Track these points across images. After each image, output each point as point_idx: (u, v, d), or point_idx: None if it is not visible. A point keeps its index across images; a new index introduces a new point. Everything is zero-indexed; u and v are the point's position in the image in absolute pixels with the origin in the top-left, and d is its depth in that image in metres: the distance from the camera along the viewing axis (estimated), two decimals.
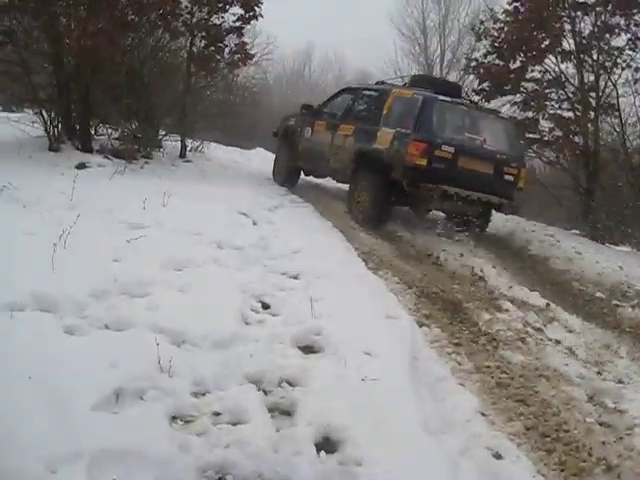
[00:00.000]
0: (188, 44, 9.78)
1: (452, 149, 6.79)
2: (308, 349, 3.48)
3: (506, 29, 10.11)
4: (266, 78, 29.13)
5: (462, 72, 11.07)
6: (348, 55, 32.46)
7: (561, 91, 10.20)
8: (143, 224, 5.09)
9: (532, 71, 10.36)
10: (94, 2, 7.81)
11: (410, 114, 7.05)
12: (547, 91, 10.32)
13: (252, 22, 9.90)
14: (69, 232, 4.08)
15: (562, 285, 6.42)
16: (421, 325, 4.30)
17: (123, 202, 5.72)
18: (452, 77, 18.29)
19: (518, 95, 10.37)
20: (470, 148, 6.95)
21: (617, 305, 5.77)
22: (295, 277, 4.64)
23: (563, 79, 10.11)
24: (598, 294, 6.07)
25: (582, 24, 9.92)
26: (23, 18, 8.06)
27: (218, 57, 9.73)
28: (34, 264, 3.67)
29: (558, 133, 9.97)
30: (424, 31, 22.08)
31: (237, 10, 9.86)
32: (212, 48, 9.57)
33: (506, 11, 10.18)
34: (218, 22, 9.76)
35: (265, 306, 4.02)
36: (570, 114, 10.15)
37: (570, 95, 10.22)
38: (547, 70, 10.27)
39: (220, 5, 9.75)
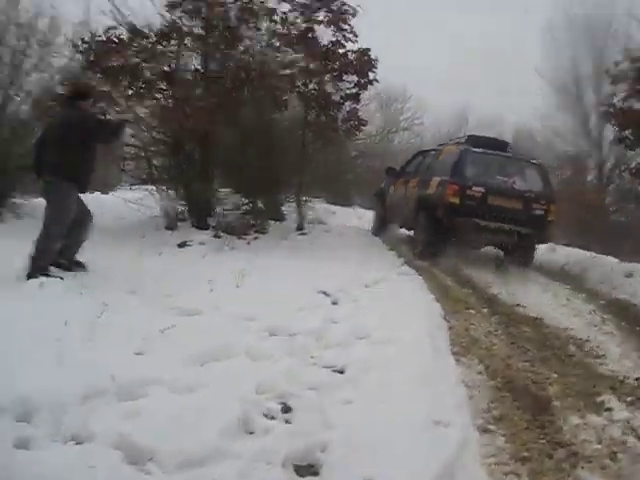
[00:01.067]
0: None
1: (482, 189, 8.49)
2: (307, 470, 2.83)
3: None
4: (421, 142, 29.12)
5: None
6: (505, 115, 31.20)
7: None
8: (197, 309, 4.78)
9: None
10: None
11: (451, 164, 8.86)
12: None
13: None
14: (103, 319, 3.84)
15: None
16: (484, 431, 3.44)
17: (193, 284, 5.47)
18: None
19: None
20: (499, 188, 8.62)
21: None
22: (341, 371, 3.98)
23: None
24: None
25: None
26: None
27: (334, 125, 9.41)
28: (45, 357, 3.42)
29: None
30: (577, 82, 20.45)
31: (353, 78, 9.58)
32: (323, 117, 9.27)
33: None
34: (333, 90, 9.50)
35: (286, 409, 3.41)
36: None
37: None
38: None
39: (336, 74, 9.54)
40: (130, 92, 8.05)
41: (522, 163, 9.33)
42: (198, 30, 8.31)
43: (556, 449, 3.33)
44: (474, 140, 9.56)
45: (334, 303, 5.64)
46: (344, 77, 9.72)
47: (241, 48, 8.31)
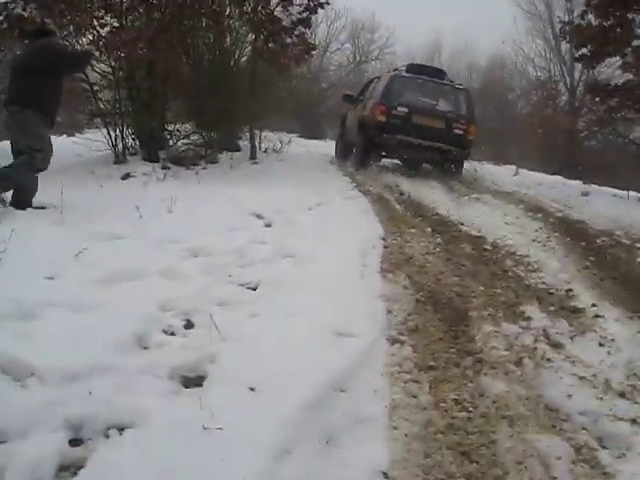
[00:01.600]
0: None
1: (406, 109, 9.57)
2: (193, 381, 2.75)
3: None
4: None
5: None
6: (478, 42, 30.62)
7: None
8: (121, 234, 4.66)
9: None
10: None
11: (383, 88, 10.02)
12: None
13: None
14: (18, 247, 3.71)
15: None
16: (394, 342, 3.39)
17: (123, 211, 5.32)
18: None
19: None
20: (423, 108, 9.78)
21: None
22: (254, 288, 3.89)
23: None
24: None
25: None
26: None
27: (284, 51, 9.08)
28: None
29: None
30: (547, 4, 19.95)
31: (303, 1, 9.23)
32: (272, 44, 8.93)
33: None
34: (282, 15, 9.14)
35: (188, 325, 3.32)
36: None
37: None
38: None
39: None
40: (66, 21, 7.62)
41: (449, 88, 10.48)
42: None
43: (464, 357, 3.30)
44: (413, 68, 10.81)
45: (267, 225, 5.53)
46: (294, 0, 9.25)
47: None
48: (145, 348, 3.03)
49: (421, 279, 4.56)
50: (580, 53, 9.28)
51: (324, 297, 3.74)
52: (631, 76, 8.85)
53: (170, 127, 9.38)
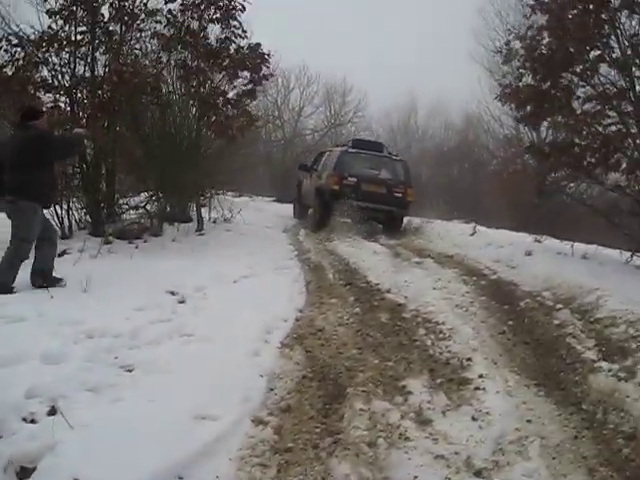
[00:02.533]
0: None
1: (355, 179, 11.65)
2: (27, 473, 2.72)
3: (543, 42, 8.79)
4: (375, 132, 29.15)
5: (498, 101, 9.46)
6: (452, 100, 31.31)
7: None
8: (22, 316, 4.64)
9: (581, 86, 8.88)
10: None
11: (334, 161, 12.10)
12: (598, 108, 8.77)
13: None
14: None
15: None
16: (258, 423, 3.37)
17: (37, 292, 5.34)
18: None
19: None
20: (369, 177, 11.87)
21: None
22: (130, 370, 3.87)
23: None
24: None
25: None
26: None
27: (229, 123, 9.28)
28: None
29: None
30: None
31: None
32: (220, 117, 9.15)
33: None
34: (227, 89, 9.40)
35: (52, 412, 3.28)
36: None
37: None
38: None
39: (231, 72, 9.44)
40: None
41: (388, 159, 12.72)
42: (74, 36, 8.09)
43: (324, 438, 3.25)
44: (356, 142, 13.32)
45: (180, 302, 5.50)
46: (240, 74, 9.52)
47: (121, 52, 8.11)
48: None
49: (319, 353, 4.56)
50: (521, 114, 9.44)
51: (199, 378, 3.72)
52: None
53: (122, 200, 9.45)
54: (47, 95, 8.05)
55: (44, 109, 6.50)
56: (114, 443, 2.89)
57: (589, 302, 5.91)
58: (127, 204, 9.27)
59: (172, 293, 5.64)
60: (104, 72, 8.13)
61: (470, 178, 24.00)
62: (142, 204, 8.97)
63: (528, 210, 16.53)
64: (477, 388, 3.91)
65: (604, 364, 4.40)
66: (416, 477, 2.88)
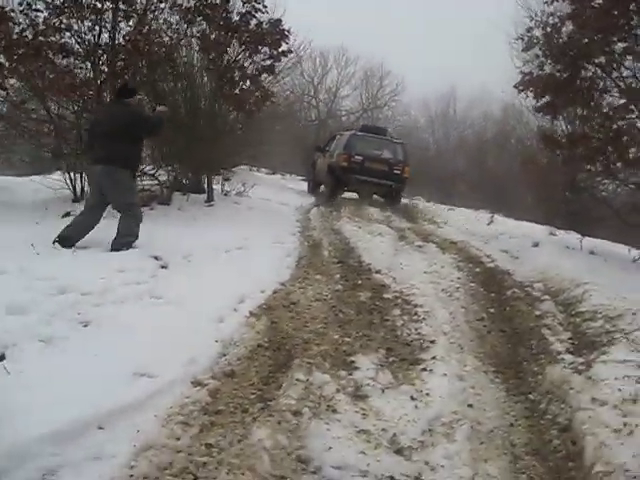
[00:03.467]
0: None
1: (361, 157, 13.64)
2: None
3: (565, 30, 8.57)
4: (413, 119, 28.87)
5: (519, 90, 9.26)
6: (492, 89, 30.73)
7: None
8: (5, 270, 4.80)
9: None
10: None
11: (344, 142, 14.18)
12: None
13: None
14: None
15: None
16: (196, 385, 3.44)
17: (26, 248, 5.50)
18: None
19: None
20: (372, 157, 13.86)
21: None
22: (86, 325, 3.99)
23: None
24: None
25: None
26: None
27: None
28: None
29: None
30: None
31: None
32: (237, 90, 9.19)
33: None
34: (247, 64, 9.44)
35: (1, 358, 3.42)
36: None
37: None
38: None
39: (251, 46, 9.46)
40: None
41: (389, 142, 14.76)
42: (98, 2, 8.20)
43: (255, 404, 3.31)
44: (364, 127, 15.71)
45: (163, 267, 5.60)
46: (260, 49, 9.54)
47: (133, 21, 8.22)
48: None
49: (284, 325, 4.61)
50: (539, 104, 9.25)
51: (151, 338, 3.81)
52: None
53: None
54: (65, 60, 8.13)
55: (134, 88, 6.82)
56: (45, 391, 2.99)
57: (575, 295, 5.85)
58: (141, 171, 9.34)
59: (156, 258, 5.71)
60: (121, 40, 8.19)
61: (505, 169, 23.59)
62: (152, 172, 9.03)
63: (557, 204, 16.18)
64: (424, 369, 3.90)
65: (568, 357, 4.36)
66: (330, 448, 2.89)
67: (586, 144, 8.52)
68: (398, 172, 13.76)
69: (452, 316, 5.26)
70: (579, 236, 8.81)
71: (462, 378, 3.93)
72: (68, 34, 8.33)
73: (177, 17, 8.68)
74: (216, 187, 9.94)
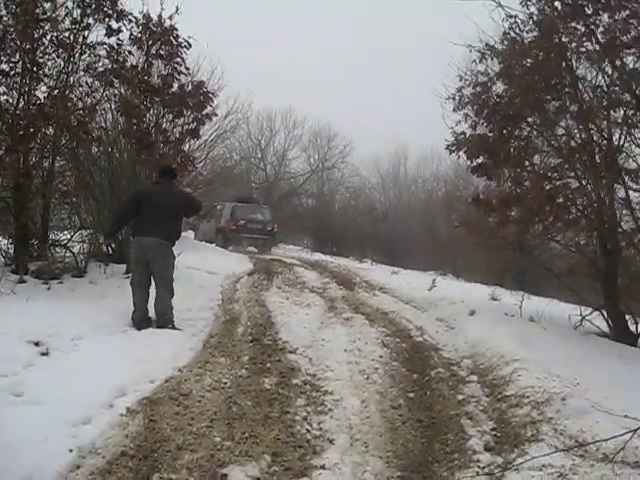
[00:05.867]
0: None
1: (243, 221, 19.76)
2: None
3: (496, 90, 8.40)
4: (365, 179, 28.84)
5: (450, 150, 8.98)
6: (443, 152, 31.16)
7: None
8: None
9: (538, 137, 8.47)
10: None
11: (229, 211, 20.13)
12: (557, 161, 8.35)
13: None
14: None
15: None
16: None
17: None
18: None
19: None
20: (251, 219, 20.00)
21: None
22: None
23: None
24: None
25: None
26: None
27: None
28: None
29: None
30: None
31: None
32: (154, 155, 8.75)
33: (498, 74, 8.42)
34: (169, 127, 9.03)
35: None
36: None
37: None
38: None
39: (176, 110, 9.10)
40: None
41: (259, 207, 21.46)
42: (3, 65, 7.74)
43: None
44: (239, 199, 21.22)
45: (43, 354, 4.99)
46: (184, 112, 9.17)
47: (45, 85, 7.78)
48: None
49: (164, 424, 4.08)
50: (473, 165, 9.00)
51: None
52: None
53: (54, 236, 9.02)
54: None
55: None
56: None
57: (503, 375, 5.42)
58: (57, 242, 8.76)
59: (36, 344, 5.10)
60: (26, 104, 7.71)
61: (455, 229, 23.48)
62: (65, 242, 8.45)
63: (504, 264, 15.98)
64: None
65: (484, 456, 3.92)
66: None
67: (520, 206, 8.22)
68: (270, 228, 20.15)
69: (364, 405, 4.77)
70: (519, 300, 8.39)
71: None
72: None
73: (91, 80, 8.20)
74: None
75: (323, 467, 3.55)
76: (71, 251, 8.47)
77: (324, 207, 28.16)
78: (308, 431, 4.22)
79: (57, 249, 8.82)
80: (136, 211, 6.61)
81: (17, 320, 5.66)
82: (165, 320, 6.35)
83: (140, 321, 6.36)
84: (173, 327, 6.37)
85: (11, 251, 8.34)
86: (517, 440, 4.11)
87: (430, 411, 4.84)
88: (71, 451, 3.46)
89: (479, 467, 3.69)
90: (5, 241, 8.50)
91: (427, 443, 4.26)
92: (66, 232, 9.27)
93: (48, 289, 7.48)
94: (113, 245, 9.54)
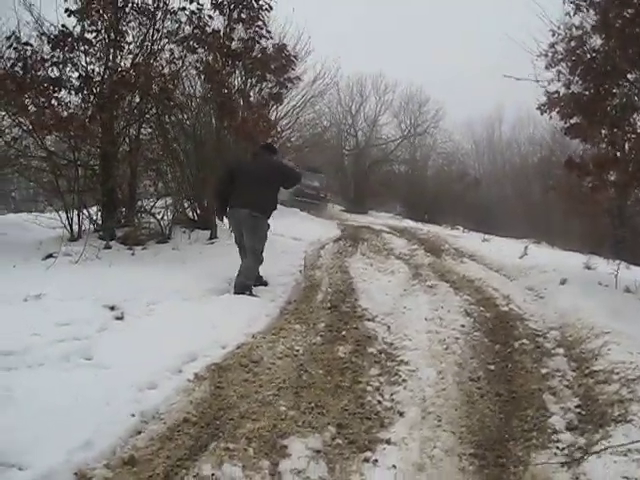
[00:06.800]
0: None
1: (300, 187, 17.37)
2: None
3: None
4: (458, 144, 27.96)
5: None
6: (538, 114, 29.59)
7: None
8: None
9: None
10: None
11: None
12: None
13: None
14: None
15: None
16: None
17: None
18: None
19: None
20: (307, 186, 20.22)
21: None
22: None
23: None
24: None
25: None
26: None
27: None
28: None
29: None
30: None
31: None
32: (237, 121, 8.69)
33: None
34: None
35: None
36: None
37: None
38: None
39: (258, 74, 9.00)
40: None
41: (316, 175, 21.52)
42: (88, 34, 7.87)
43: None
44: (307, 167, 20.10)
45: (118, 318, 5.04)
46: (267, 77, 9.05)
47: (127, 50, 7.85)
48: None
49: (230, 391, 3.99)
50: (567, 126, 8.40)
51: (45, 414, 3.21)
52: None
53: (142, 203, 9.22)
54: (55, 94, 7.77)
55: None
56: None
57: (592, 348, 5.01)
58: (144, 208, 8.92)
59: (112, 308, 5.16)
60: (110, 73, 7.81)
61: (552, 195, 22.40)
62: (150, 208, 8.58)
63: (602, 232, 15.06)
64: (367, 460, 3.15)
65: (566, 436, 3.61)
66: None
67: (618, 169, 7.59)
68: (323, 195, 22.09)
69: (440, 376, 4.52)
70: (614, 270, 7.80)
71: (420, 469, 3.17)
72: (56, 68, 7.95)
73: (174, 46, 8.21)
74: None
75: (389, 441, 3.35)
76: (155, 217, 8.59)
77: (416, 173, 27.57)
78: (379, 402, 4.03)
79: (144, 216, 8.95)
80: (231, 184, 6.61)
81: (96, 285, 5.77)
82: (244, 286, 6.27)
83: (239, 288, 6.33)
84: (250, 294, 6.27)
85: (99, 218, 8.52)
86: (603, 420, 3.76)
87: (511, 385, 4.54)
88: (133, 416, 3.42)
89: (558, 448, 3.40)
90: (94, 209, 8.69)
91: (505, 419, 3.98)
92: (153, 199, 9.39)
93: (132, 254, 7.63)
94: (198, 211, 9.64)
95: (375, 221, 19.35)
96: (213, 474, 2.87)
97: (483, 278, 8.01)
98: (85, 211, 8.51)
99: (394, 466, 3.08)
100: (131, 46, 8.19)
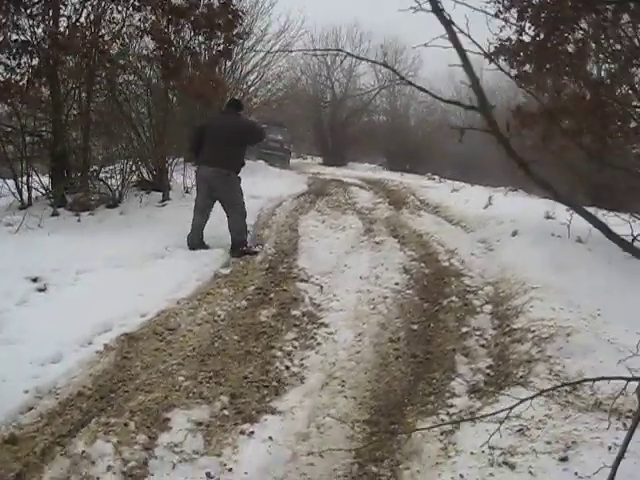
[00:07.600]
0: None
1: (265, 140, 12.05)
2: None
3: None
4: (439, 92, 27.46)
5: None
6: None
7: None
8: None
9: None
10: None
11: None
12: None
13: None
14: None
15: None
16: None
17: None
18: None
19: None
20: (271, 139, 19.37)
21: None
22: None
23: None
24: None
25: None
26: None
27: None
28: None
29: None
30: None
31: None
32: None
33: None
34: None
35: None
36: None
37: None
38: None
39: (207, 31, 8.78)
40: None
41: (280, 128, 21.56)
42: None
43: None
44: (270, 122, 19.54)
45: (40, 290, 5.02)
46: (215, 33, 8.83)
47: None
48: None
49: (137, 362, 4.02)
50: (519, 74, 8.22)
51: None
52: None
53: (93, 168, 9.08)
54: None
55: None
56: None
57: (517, 305, 5.00)
58: (95, 172, 8.81)
59: (34, 280, 5.13)
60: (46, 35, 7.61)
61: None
62: (97, 172, 8.48)
63: (577, 177, 14.86)
64: (243, 432, 3.16)
65: (460, 401, 3.60)
66: None
67: (568, 118, 7.47)
68: (286, 147, 22.29)
69: (358, 338, 4.52)
70: (568, 218, 7.69)
71: (304, 439, 3.18)
72: None
73: (115, 6, 7.97)
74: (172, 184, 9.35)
75: (274, 411, 3.35)
76: (103, 181, 8.48)
77: (397, 122, 27.20)
78: (287, 368, 4.04)
79: (97, 181, 8.85)
80: (202, 141, 6.77)
81: (27, 256, 5.73)
82: (239, 242, 6.64)
83: (193, 242, 6.62)
84: (246, 248, 6.66)
85: (50, 185, 8.42)
86: (505, 382, 3.77)
87: (428, 345, 4.56)
88: (26, 392, 3.42)
89: (447, 414, 3.40)
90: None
91: (414, 381, 4.00)
92: (107, 163, 9.27)
93: (78, 221, 7.56)
94: (154, 172, 9.55)
95: (351, 173, 19.23)
96: (84, 451, 2.86)
97: (434, 232, 7.95)
98: (36, 178, 8.35)
99: (270, 438, 3.08)
100: (70, 8, 7.91)
